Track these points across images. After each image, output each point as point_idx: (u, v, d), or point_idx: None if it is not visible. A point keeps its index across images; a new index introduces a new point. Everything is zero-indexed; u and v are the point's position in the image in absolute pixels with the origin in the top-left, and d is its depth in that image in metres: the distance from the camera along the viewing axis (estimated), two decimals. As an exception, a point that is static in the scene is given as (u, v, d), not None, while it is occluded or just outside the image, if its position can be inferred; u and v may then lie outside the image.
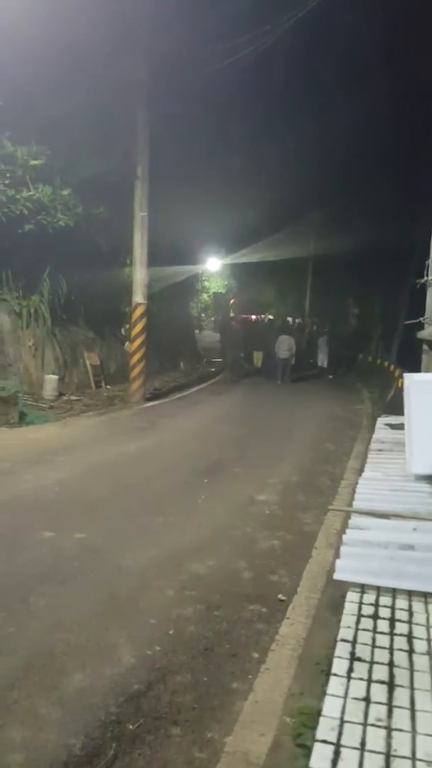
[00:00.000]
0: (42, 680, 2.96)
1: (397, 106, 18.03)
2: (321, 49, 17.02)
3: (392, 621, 3.10)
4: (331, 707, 2.41)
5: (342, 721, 2.31)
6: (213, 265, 24.52)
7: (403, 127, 18.79)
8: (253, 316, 30.24)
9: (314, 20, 11.55)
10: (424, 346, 7.18)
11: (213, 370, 20.73)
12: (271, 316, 34.14)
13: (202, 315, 28.04)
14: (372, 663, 2.73)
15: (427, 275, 7.04)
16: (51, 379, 11.61)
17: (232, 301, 31.85)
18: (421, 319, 7.26)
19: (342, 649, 2.84)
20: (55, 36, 9.99)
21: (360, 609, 3.23)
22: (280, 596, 3.99)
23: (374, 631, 3.00)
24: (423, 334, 7.11)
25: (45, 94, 10.49)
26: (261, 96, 17.30)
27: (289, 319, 29.16)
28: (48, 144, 11.20)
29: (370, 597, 3.35)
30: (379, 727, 2.28)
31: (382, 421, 9.43)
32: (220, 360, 21.87)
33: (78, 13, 9.99)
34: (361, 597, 3.36)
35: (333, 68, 17.73)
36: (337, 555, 3.89)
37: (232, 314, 29.29)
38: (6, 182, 10.60)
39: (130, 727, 2.68)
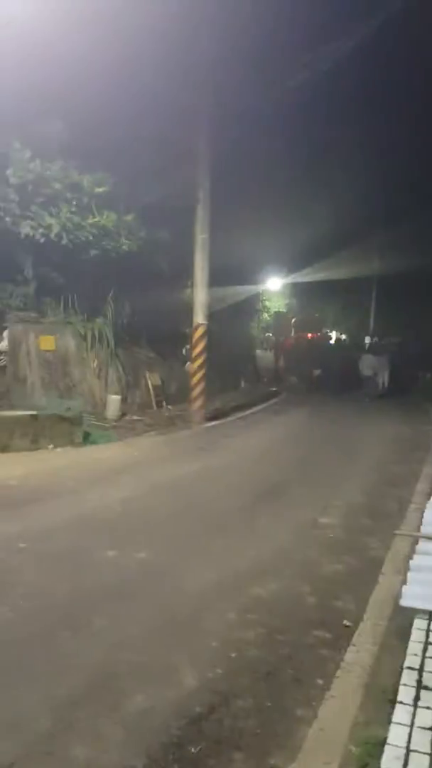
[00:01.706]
0: (104, 700, 2.98)
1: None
2: (384, 66, 16.91)
3: (461, 650, 2.98)
4: (396, 736, 2.33)
5: (408, 750, 2.23)
6: (274, 284, 24.51)
7: None
8: (309, 335, 30.10)
9: (371, 42, 11.55)
10: None
11: (274, 389, 20.64)
12: (343, 336, 34.00)
13: (265, 335, 28.00)
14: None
15: None
16: (114, 400, 11.82)
17: (293, 320, 31.74)
18: None
19: (408, 677, 2.75)
20: (117, 64, 10.31)
21: (428, 636, 3.12)
22: (345, 622, 3.89)
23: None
24: None
25: (108, 123, 10.83)
26: (323, 113, 17.29)
27: (368, 338, 28.88)
28: (112, 171, 11.53)
29: (438, 625, 3.24)
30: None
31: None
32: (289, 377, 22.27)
33: (139, 40, 10.29)
34: (429, 624, 3.25)
35: (398, 82, 17.56)
36: (404, 581, 3.78)
37: (293, 333, 29.25)
38: (73, 210, 10.96)
39: (192, 750, 2.65)
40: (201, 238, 12.71)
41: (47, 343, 11.15)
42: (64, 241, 10.80)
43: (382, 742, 2.33)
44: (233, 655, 3.44)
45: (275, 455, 9.84)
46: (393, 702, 2.60)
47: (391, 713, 2.51)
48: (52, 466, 8.14)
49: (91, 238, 11.19)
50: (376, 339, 28.64)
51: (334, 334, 35.77)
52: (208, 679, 3.19)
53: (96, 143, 11.18)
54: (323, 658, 3.45)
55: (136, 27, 10.02)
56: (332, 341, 32.94)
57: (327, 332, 34.83)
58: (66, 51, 9.74)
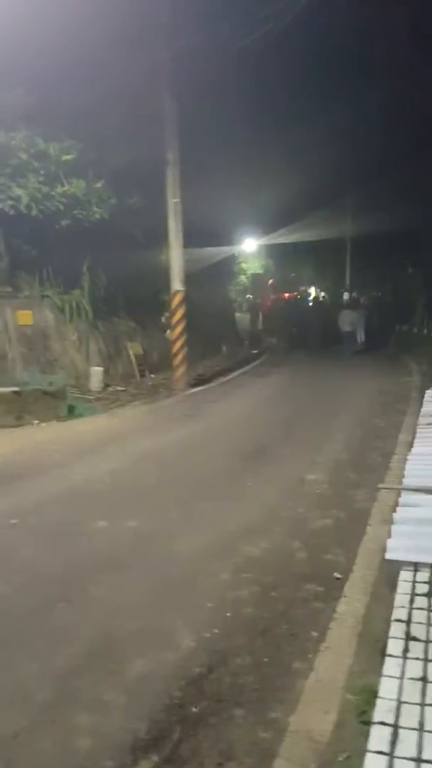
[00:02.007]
0: (104, 667, 3.02)
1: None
2: (352, 23, 16.50)
3: (447, 599, 3.05)
4: (387, 688, 2.39)
5: (399, 702, 2.29)
6: (249, 246, 24.34)
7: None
8: (286, 295, 30.15)
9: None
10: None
11: (255, 352, 20.66)
12: (323, 294, 34.00)
13: (244, 297, 27.93)
14: (428, 642, 2.69)
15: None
16: (96, 371, 11.76)
17: (270, 282, 31.65)
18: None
19: (397, 629, 2.81)
20: (79, 29, 9.99)
21: (414, 588, 3.18)
22: (336, 574, 3.96)
23: (429, 609, 2.96)
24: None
25: (72, 88, 10.54)
26: (295, 72, 16.89)
27: (346, 294, 29.00)
28: (79, 138, 11.26)
29: (423, 575, 3.30)
30: (436, 706, 2.25)
31: (430, 393, 9.25)
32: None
33: (100, 4, 9.95)
34: (415, 575, 3.31)
35: (368, 41, 17.17)
36: (390, 533, 3.84)
37: (272, 295, 29.20)
38: (40, 179, 10.71)
39: (194, 710, 2.71)
40: (173, 202, 12.54)
41: (24, 317, 11.00)
42: (34, 212, 10.58)
43: (376, 694, 2.39)
44: (229, 614, 3.50)
45: (260, 417, 9.90)
46: (385, 653, 2.67)
47: (383, 664, 2.57)
48: (37, 441, 8.12)
49: (61, 207, 10.97)
50: (354, 294, 28.78)
51: (313, 292, 35.79)
52: (206, 639, 3.24)
53: (60, 110, 10.90)
54: (316, 611, 3.52)
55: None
56: (311, 300, 32.97)
57: (305, 291, 34.82)
58: (24, 15, 9.39)
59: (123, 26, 10.56)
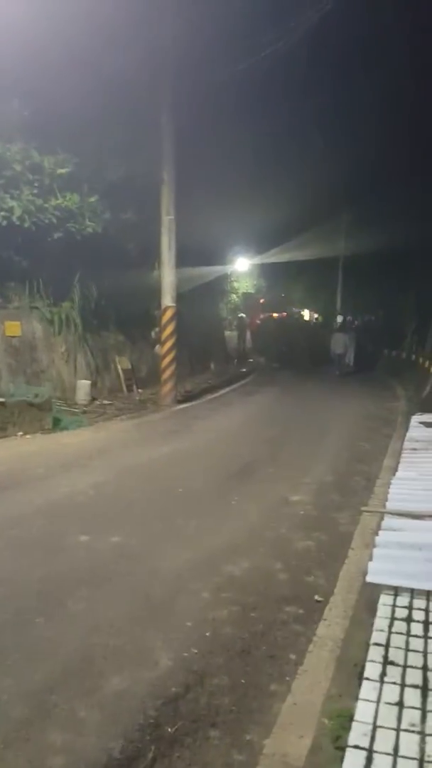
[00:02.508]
0: (81, 684, 2.99)
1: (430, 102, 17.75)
2: (347, 46, 16.83)
3: (426, 624, 3.05)
4: (364, 712, 2.39)
5: (375, 726, 2.29)
6: (241, 265, 24.51)
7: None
8: (275, 315, 30.41)
9: (341, 18, 11.45)
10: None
11: (244, 370, 20.72)
12: (316, 315, 34.39)
13: (235, 315, 28.09)
14: (405, 667, 2.69)
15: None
16: (83, 384, 11.74)
17: (261, 301, 31.81)
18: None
19: (375, 653, 2.81)
20: (78, 44, 10.10)
21: (393, 612, 3.19)
22: (316, 597, 3.96)
23: (408, 634, 2.96)
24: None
25: (69, 103, 10.61)
26: (288, 95, 17.15)
27: (340, 317, 29.33)
28: (74, 152, 11.33)
29: (403, 599, 3.31)
30: (412, 732, 2.25)
31: (416, 419, 9.31)
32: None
33: (100, 20, 10.07)
34: (395, 600, 3.32)
35: (362, 64, 17.50)
36: (372, 556, 3.85)
37: (262, 314, 29.36)
38: (34, 192, 10.75)
39: (169, 729, 2.69)
40: (167, 219, 12.61)
41: (13, 328, 10.98)
42: (27, 224, 10.61)
43: (352, 718, 2.39)
44: (208, 634, 3.48)
45: (246, 435, 9.90)
46: (362, 677, 2.66)
47: (360, 688, 2.57)
48: (21, 453, 8.07)
49: (54, 220, 11.01)
50: (349, 318, 29.13)
51: (306, 314, 36.09)
52: (184, 659, 3.23)
53: (57, 123, 10.97)
54: (296, 634, 3.52)
55: (97, 4, 9.79)
56: (305, 320, 33.29)
57: (299, 312, 35.08)
58: (24, 28, 9.48)
59: (123, 43, 10.68)
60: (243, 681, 3.06)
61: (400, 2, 13.57)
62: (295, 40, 11.42)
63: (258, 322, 28.07)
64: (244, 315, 27.32)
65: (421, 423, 8.93)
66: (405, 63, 16.27)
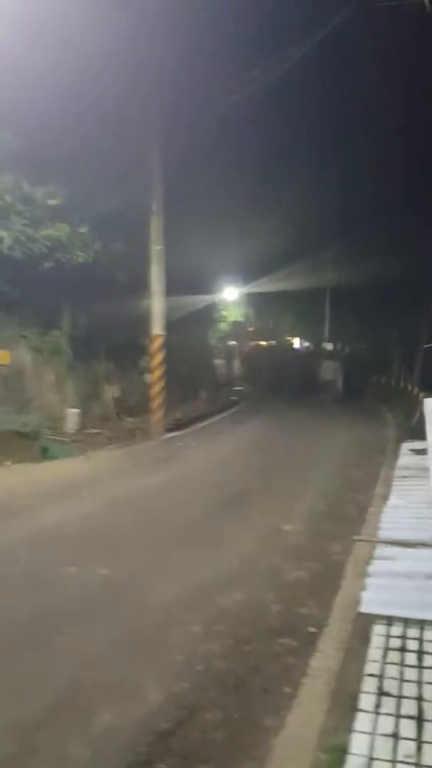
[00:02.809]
0: (70, 720, 2.92)
1: (418, 134, 18.14)
2: (335, 78, 17.21)
3: (420, 654, 3.01)
4: (359, 744, 2.34)
5: (370, 759, 2.24)
6: (230, 294, 24.68)
7: (424, 157, 18.89)
8: (263, 343, 30.78)
9: (329, 49, 11.71)
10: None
11: (234, 398, 20.72)
12: (307, 343, 34.81)
13: (224, 344, 28.25)
14: (400, 697, 2.65)
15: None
16: (72, 413, 11.68)
17: (250, 329, 32.01)
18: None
19: (369, 684, 2.77)
20: (68, 77, 10.26)
21: (387, 642, 3.15)
22: (310, 629, 3.90)
23: (402, 664, 2.92)
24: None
25: (61, 135, 10.73)
26: (277, 126, 17.47)
27: (330, 345, 29.68)
28: (65, 183, 11.43)
29: (397, 629, 3.27)
30: (408, 763, 2.21)
31: (406, 446, 9.32)
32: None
33: (90, 53, 10.25)
34: (389, 629, 3.28)
35: (349, 96, 17.89)
36: (365, 586, 3.81)
37: (250, 342, 29.57)
38: (25, 222, 10.81)
39: (160, 766, 2.62)
40: (156, 249, 12.73)
41: (1, 357, 10.94)
42: (17, 254, 10.65)
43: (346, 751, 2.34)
44: (200, 668, 3.42)
45: (237, 464, 9.86)
46: (355, 710, 2.62)
47: (354, 719, 2.53)
48: (9, 482, 7.98)
49: (45, 250, 11.05)
50: (340, 345, 29.49)
51: (297, 343, 36.41)
52: (175, 693, 3.16)
53: (48, 155, 11.08)
54: (290, 666, 3.45)
55: (88, 38, 9.98)
56: (294, 348, 33.60)
57: (290, 341, 35.39)
58: (17, 61, 9.63)
59: (113, 76, 10.86)
60: (236, 715, 2.99)
61: (393, 33, 13.89)
62: (284, 71, 11.65)
63: (246, 350, 28.26)
64: (234, 343, 27.48)
65: (411, 450, 8.93)
66: (395, 96, 16.64)
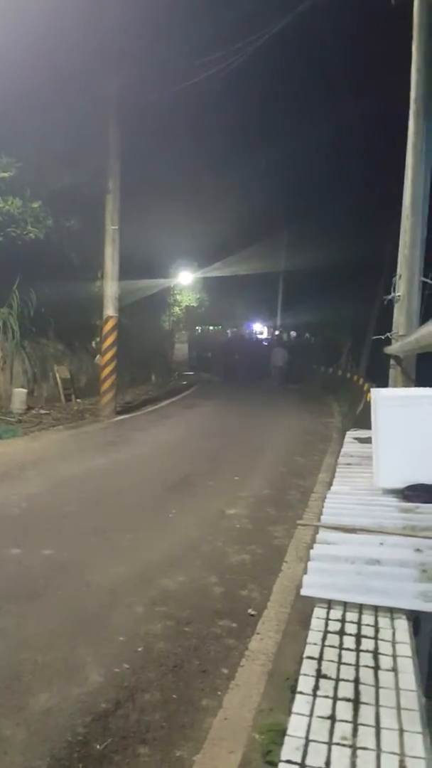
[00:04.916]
0: (7, 701, 2.91)
1: (367, 124, 18.39)
2: (294, 64, 17.24)
3: (358, 637, 3.09)
4: (296, 726, 2.39)
5: (307, 740, 2.29)
6: (185, 278, 24.60)
7: (374, 144, 19.15)
8: (212, 328, 31.00)
9: (286, 38, 11.70)
10: (392, 361, 7.25)
11: (185, 383, 20.73)
12: (263, 330, 35.22)
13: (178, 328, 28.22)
14: (338, 680, 2.72)
15: (394, 291, 7.12)
16: (19, 393, 11.48)
17: (203, 314, 32.02)
18: (389, 334, 7.33)
19: (308, 667, 2.82)
20: (27, 49, 9.97)
21: (327, 625, 3.21)
22: (250, 611, 3.98)
23: (340, 647, 2.98)
24: (390, 349, 7.17)
25: (15, 107, 10.43)
26: (234, 111, 17.46)
27: (277, 332, 30.02)
28: (18, 156, 11.13)
29: (336, 613, 3.33)
30: (344, 746, 2.27)
31: (350, 434, 9.48)
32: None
33: (50, 27, 10.00)
34: (328, 613, 3.34)
35: (303, 85, 17.99)
36: (306, 569, 3.89)
37: (203, 328, 29.66)
38: (-26, 194, 10.51)
39: (98, 747, 2.64)
40: (112, 229, 12.56)
41: None
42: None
43: (284, 732, 2.40)
44: (140, 649, 3.44)
45: (185, 448, 9.89)
46: (295, 690, 2.68)
47: (292, 702, 2.59)
48: None
49: (-6, 223, 10.78)
50: (294, 334, 29.87)
51: (259, 329, 36.85)
52: (115, 674, 3.18)
53: (1, 127, 10.76)
54: (229, 648, 3.52)
55: (45, 10, 9.71)
56: (245, 334, 33.86)
57: (241, 327, 35.61)
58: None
59: (72, 52, 10.62)
60: (174, 696, 3.04)
61: (340, 25, 14.00)
62: (243, 58, 11.59)
63: (199, 335, 28.34)
64: (199, 329, 27.67)
65: (355, 439, 9.08)
66: (349, 85, 16.82)
